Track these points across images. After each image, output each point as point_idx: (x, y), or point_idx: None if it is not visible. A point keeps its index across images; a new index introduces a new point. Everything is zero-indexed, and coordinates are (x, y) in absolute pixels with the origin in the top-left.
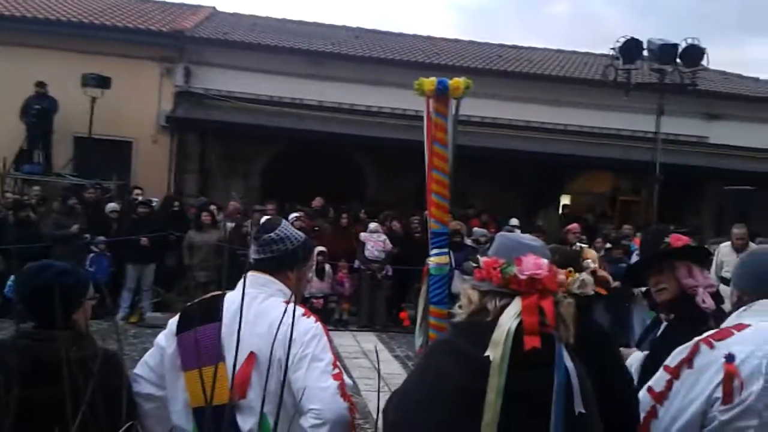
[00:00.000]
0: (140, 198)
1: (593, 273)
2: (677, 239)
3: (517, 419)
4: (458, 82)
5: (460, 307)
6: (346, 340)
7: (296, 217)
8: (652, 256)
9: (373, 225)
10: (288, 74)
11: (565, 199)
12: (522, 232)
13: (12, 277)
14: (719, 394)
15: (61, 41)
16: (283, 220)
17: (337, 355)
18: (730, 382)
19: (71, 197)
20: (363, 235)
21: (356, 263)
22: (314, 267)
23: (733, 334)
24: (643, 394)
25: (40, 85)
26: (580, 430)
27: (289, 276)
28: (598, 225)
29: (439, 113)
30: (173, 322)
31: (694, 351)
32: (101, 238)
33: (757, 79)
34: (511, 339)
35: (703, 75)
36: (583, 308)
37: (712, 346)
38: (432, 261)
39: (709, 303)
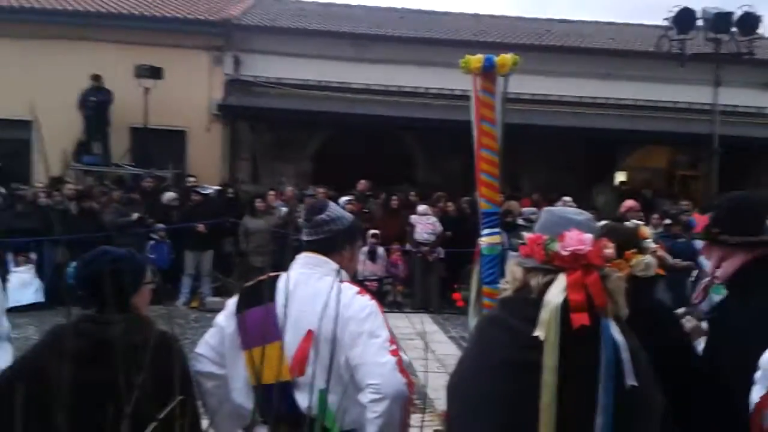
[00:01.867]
0: (195, 186)
1: (653, 253)
2: (700, 223)
3: (569, 395)
4: (505, 58)
5: (506, 283)
6: (400, 321)
7: (347, 201)
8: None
9: (422, 207)
10: (334, 58)
11: (620, 176)
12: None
13: (73, 264)
14: None
15: (113, 33)
16: (330, 202)
17: (392, 333)
18: None
19: (130, 186)
20: (413, 218)
21: (407, 246)
22: (367, 250)
23: None
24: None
25: (96, 78)
26: (633, 403)
27: (342, 255)
28: (655, 200)
29: (486, 91)
30: (233, 302)
31: None
32: (161, 225)
33: None
34: (558, 317)
35: (760, 43)
36: (645, 288)
37: None
38: (484, 241)
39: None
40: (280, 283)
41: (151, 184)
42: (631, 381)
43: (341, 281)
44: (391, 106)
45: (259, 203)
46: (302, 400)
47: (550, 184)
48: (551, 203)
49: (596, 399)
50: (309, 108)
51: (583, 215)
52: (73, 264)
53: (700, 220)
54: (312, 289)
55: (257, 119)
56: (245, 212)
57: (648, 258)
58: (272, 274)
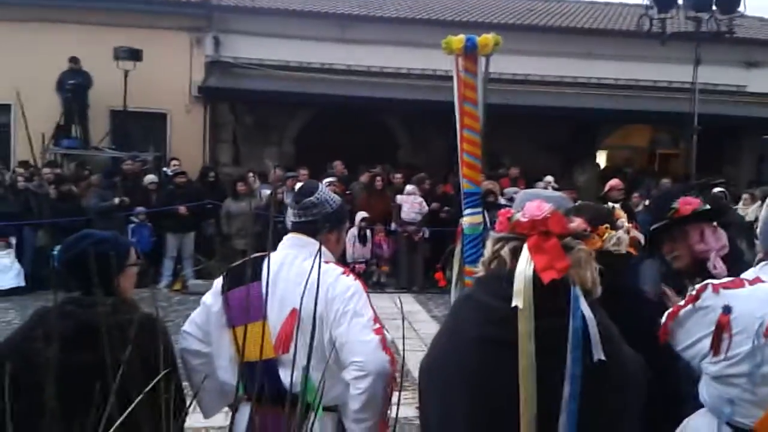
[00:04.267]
0: (172, 170)
1: (627, 232)
2: (685, 204)
3: (540, 366)
4: (487, 39)
5: (482, 263)
6: (384, 301)
7: (329, 182)
8: (661, 226)
9: (410, 187)
10: (316, 39)
11: (601, 155)
12: (557, 189)
13: (57, 248)
14: (707, 342)
15: (90, 15)
16: (320, 184)
17: (376, 312)
18: (720, 333)
19: (111, 170)
20: (399, 198)
21: (393, 226)
22: (357, 233)
23: (743, 286)
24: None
25: (74, 60)
26: (601, 377)
27: (329, 237)
28: (636, 179)
29: (468, 71)
30: (219, 281)
31: (702, 290)
32: (141, 208)
33: None
34: (530, 285)
35: (741, 22)
36: (619, 267)
37: (717, 292)
38: (465, 221)
39: (720, 268)
40: (266, 263)
41: (132, 167)
42: (599, 355)
43: (326, 262)
44: (374, 87)
45: (240, 186)
46: (286, 377)
47: (533, 164)
48: (533, 183)
49: (563, 370)
50: (291, 90)
51: (555, 193)
52: (57, 247)
53: (687, 203)
54: (297, 269)
55: (238, 101)
56: (227, 195)
57: (620, 233)
58: (258, 254)
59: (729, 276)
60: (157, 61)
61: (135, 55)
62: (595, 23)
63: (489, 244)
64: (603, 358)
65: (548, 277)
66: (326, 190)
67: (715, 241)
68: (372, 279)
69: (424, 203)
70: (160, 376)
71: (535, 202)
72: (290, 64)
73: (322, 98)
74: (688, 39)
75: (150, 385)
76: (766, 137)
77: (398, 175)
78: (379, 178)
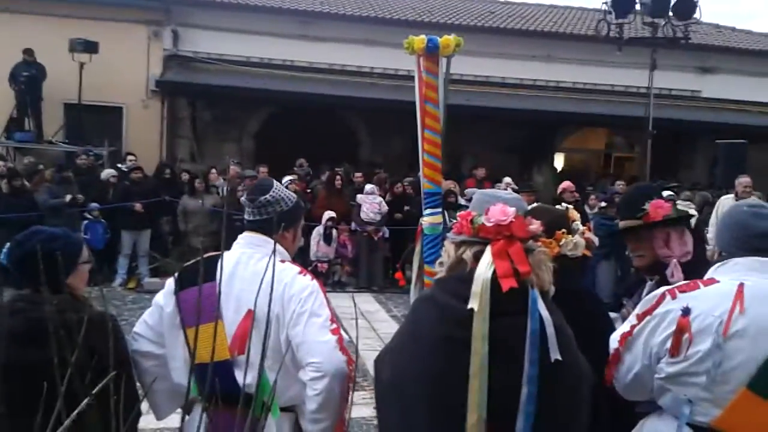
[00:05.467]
0: (128, 165)
1: (581, 234)
2: (657, 208)
3: (497, 366)
4: (448, 40)
5: (441, 264)
6: (344, 301)
7: (290, 180)
8: (630, 228)
9: (369, 187)
10: (277, 35)
11: (559, 157)
12: (516, 191)
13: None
14: (668, 345)
15: (46, 6)
16: (274, 182)
17: (334, 312)
18: (680, 335)
19: (64, 165)
20: (359, 197)
21: (353, 225)
22: (323, 232)
23: (698, 287)
24: (612, 338)
25: (28, 52)
26: (558, 377)
27: (285, 236)
28: (592, 182)
29: (429, 72)
30: (172, 281)
31: (660, 300)
32: (94, 204)
33: (750, 32)
34: (489, 288)
35: (696, 28)
36: (574, 269)
37: (675, 297)
38: (425, 221)
39: (678, 276)
40: (221, 263)
41: (86, 162)
42: (555, 355)
43: (282, 261)
44: (335, 85)
45: (198, 183)
46: (242, 378)
47: (492, 165)
48: (493, 184)
49: (520, 370)
50: (251, 85)
51: (512, 194)
52: (7, 244)
53: (656, 206)
54: (253, 269)
55: (197, 96)
56: (184, 191)
57: (577, 238)
58: (213, 253)
59: (689, 279)
60: (113, 54)
61: (91, 47)
62: (554, 27)
63: (450, 247)
64: (560, 358)
65: (507, 285)
66: (281, 187)
67: (680, 247)
68: (333, 278)
69: (384, 203)
70: (110, 376)
71: (499, 206)
72: (251, 59)
73: (282, 95)
74: (644, 44)
75: (99, 386)
76: (719, 141)
77: (358, 174)
78: (338, 177)
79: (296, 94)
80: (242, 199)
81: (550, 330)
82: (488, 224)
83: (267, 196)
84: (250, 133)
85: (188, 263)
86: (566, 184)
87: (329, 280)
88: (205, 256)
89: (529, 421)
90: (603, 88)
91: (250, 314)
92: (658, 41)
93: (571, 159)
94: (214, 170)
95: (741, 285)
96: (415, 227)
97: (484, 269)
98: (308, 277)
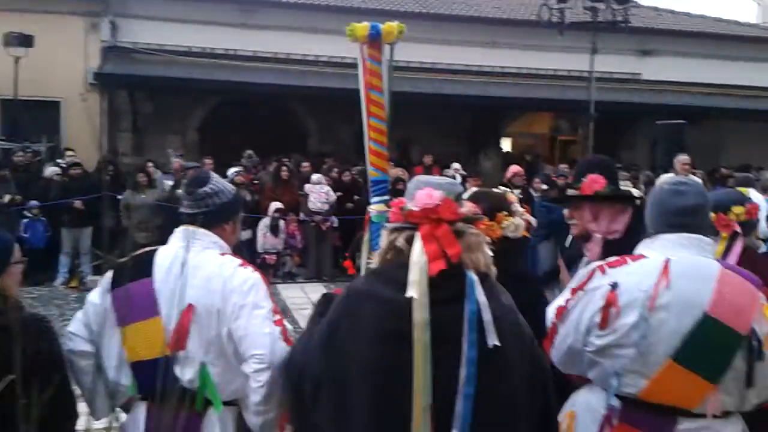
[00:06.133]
0: (67, 161)
1: (521, 216)
2: (591, 182)
3: (439, 353)
4: (391, 26)
5: (377, 255)
6: (294, 292)
7: (236, 172)
8: (564, 196)
9: (316, 176)
10: (219, 24)
11: (506, 142)
12: (464, 176)
13: None
14: (598, 318)
15: None
16: (212, 173)
17: (277, 304)
18: (608, 309)
19: (1, 163)
20: (306, 187)
21: (301, 215)
22: (269, 223)
23: (627, 263)
24: (549, 311)
25: None
26: (498, 363)
27: (224, 228)
28: (538, 165)
29: (373, 59)
30: (106, 278)
31: (591, 275)
32: (33, 202)
33: (688, 14)
34: (425, 274)
35: (636, 12)
36: (515, 250)
37: (604, 272)
38: (373, 209)
39: (594, 252)
40: (158, 258)
41: (23, 159)
42: (493, 341)
43: (222, 254)
44: (280, 74)
45: (141, 177)
46: (183, 374)
47: (440, 152)
48: (441, 170)
49: (459, 357)
50: (193, 76)
51: (445, 179)
52: None
53: (591, 181)
54: (192, 263)
55: (137, 88)
56: (127, 186)
57: (517, 219)
58: (148, 248)
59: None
60: (50, 47)
61: (26, 41)
62: (498, 12)
63: (384, 235)
64: (497, 343)
65: (436, 268)
66: (219, 179)
67: (607, 224)
68: (282, 269)
69: (332, 192)
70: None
71: (426, 190)
72: (192, 49)
73: (226, 85)
74: (585, 29)
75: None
76: (659, 123)
77: (305, 164)
78: (285, 168)
79: (240, 84)
80: (178, 191)
81: (486, 315)
82: (415, 209)
83: (205, 188)
84: (193, 126)
85: (123, 259)
86: (515, 168)
87: (279, 272)
88: (141, 251)
89: (469, 404)
90: (546, 72)
91: (190, 309)
92: (599, 25)
93: (517, 143)
94: (150, 163)
95: (667, 260)
96: (363, 216)
97: (419, 256)
98: (249, 269)
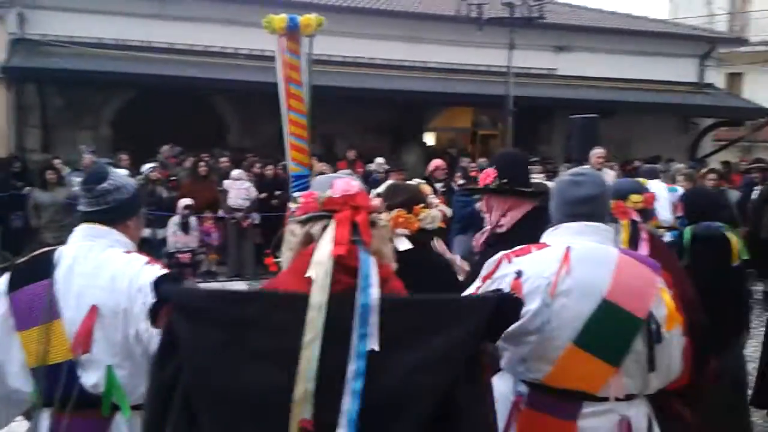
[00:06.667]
0: None
1: (436, 207)
2: (485, 177)
3: (330, 342)
4: (309, 19)
5: (287, 250)
6: None
7: (151, 168)
8: (465, 189)
9: (236, 172)
10: (133, 15)
11: (428, 136)
12: (387, 170)
13: None
14: None
15: None
16: (110, 168)
17: None
18: None
19: None
20: (226, 183)
21: (220, 212)
22: (179, 221)
23: (530, 251)
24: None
25: None
26: (396, 358)
27: (128, 225)
28: (460, 159)
29: (292, 52)
30: (3, 281)
31: (498, 264)
32: None
33: (600, 11)
34: (332, 258)
35: (551, 8)
36: (430, 240)
37: (510, 261)
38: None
39: (479, 244)
40: (58, 258)
41: None
42: (373, 345)
43: (127, 252)
44: (198, 67)
45: (50, 174)
46: (88, 378)
47: (364, 146)
48: (365, 164)
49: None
50: (106, 69)
51: (347, 176)
52: None
53: (484, 174)
54: (95, 262)
55: (47, 82)
56: (35, 184)
57: (434, 211)
58: (47, 248)
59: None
60: None
61: None
62: (419, 7)
63: (295, 227)
64: (376, 348)
65: (337, 252)
66: (119, 174)
67: (495, 216)
68: (201, 268)
69: (252, 188)
70: None
71: (344, 179)
72: (105, 41)
73: (140, 78)
74: (502, 24)
75: None
76: (573, 117)
77: (223, 159)
78: (203, 163)
79: (155, 77)
80: (75, 189)
81: (374, 318)
82: (335, 195)
83: (104, 184)
84: (106, 120)
85: (21, 260)
86: (437, 162)
87: (198, 270)
88: (38, 252)
89: (357, 401)
90: (467, 67)
91: (94, 310)
92: (515, 21)
93: (440, 137)
94: (58, 160)
95: (568, 248)
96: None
97: (328, 240)
98: (158, 266)
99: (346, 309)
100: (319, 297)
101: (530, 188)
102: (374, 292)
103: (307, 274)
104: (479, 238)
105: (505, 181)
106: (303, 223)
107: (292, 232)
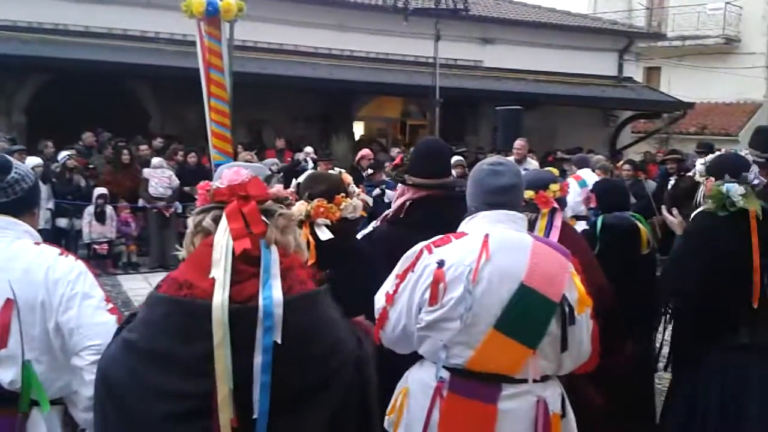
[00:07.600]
0: None
1: (357, 196)
2: (394, 162)
3: (235, 349)
4: (229, 3)
5: (185, 239)
6: (136, 283)
7: (68, 156)
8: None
9: (156, 160)
10: None
11: (357, 125)
12: (316, 160)
13: None
14: (428, 295)
15: None
16: (10, 158)
17: (107, 292)
18: (436, 285)
19: None
20: (146, 171)
21: (140, 202)
22: (93, 210)
23: (450, 241)
24: (377, 297)
25: None
26: (292, 360)
27: (34, 214)
28: (389, 149)
29: (212, 37)
30: None
31: (419, 256)
32: None
33: (525, 4)
34: (230, 254)
35: (477, 1)
36: (352, 229)
37: (431, 251)
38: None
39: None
40: None
41: None
42: (276, 338)
43: (37, 243)
44: (117, 51)
45: None
46: (4, 374)
47: (292, 135)
48: (294, 153)
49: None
50: (18, 53)
51: (254, 164)
52: None
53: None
54: (5, 255)
55: None
56: None
57: (355, 200)
58: None
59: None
60: None
61: None
62: None
63: (189, 220)
64: (278, 341)
65: (240, 247)
66: (20, 163)
67: (394, 203)
68: (122, 260)
69: (174, 177)
70: None
71: (233, 169)
72: (17, 24)
73: (55, 63)
74: (428, 15)
75: None
76: (498, 108)
77: (143, 147)
78: (125, 151)
79: (71, 62)
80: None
81: (278, 311)
82: (221, 186)
83: (12, 174)
84: (20, 106)
85: None
86: (364, 151)
87: (119, 262)
88: None
89: (266, 393)
90: (394, 57)
91: (9, 304)
92: (441, 12)
93: (369, 127)
94: None
95: (486, 236)
96: None
97: (223, 235)
98: (71, 257)
99: (252, 304)
100: (221, 296)
101: (429, 177)
102: (275, 285)
103: (210, 275)
104: (379, 223)
105: (401, 170)
106: (196, 215)
107: (189, 225)
